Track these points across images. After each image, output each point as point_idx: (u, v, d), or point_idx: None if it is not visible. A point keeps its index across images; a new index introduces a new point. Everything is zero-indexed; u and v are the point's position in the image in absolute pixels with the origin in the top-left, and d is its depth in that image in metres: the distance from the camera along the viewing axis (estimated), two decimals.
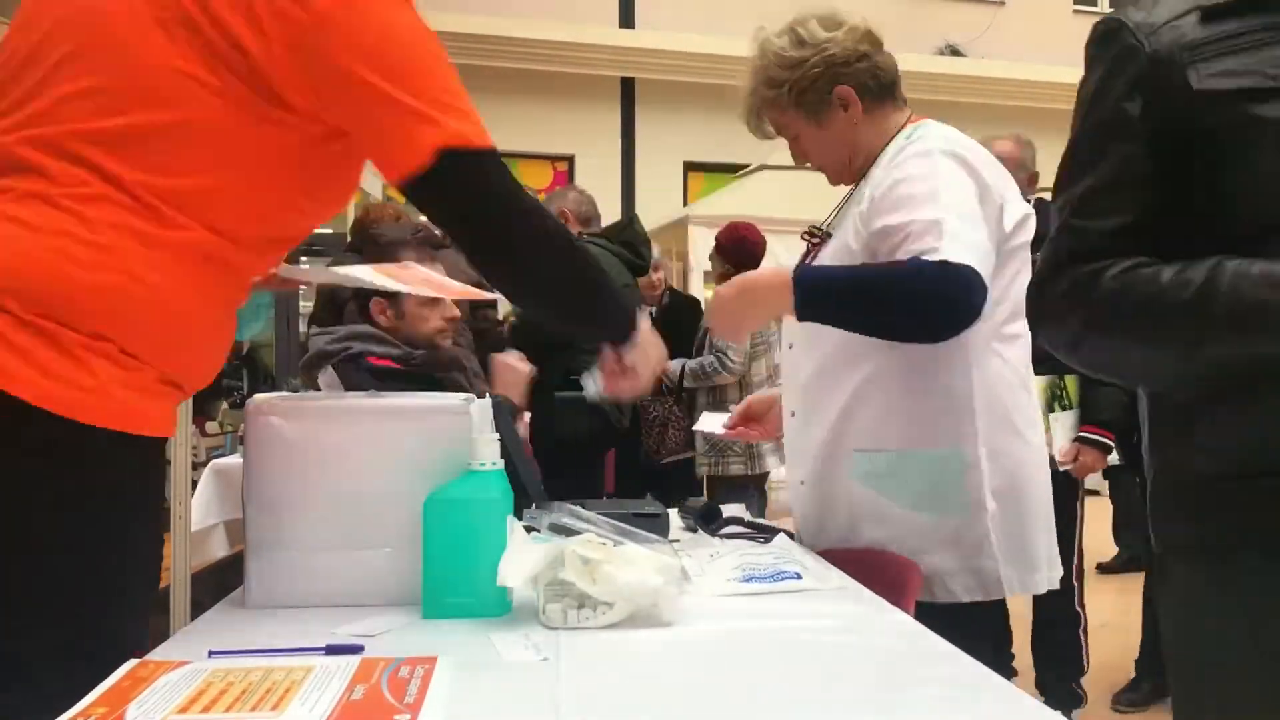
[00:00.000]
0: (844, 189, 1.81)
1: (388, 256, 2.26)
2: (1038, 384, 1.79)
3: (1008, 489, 1.60)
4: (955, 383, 1.58)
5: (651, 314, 4.51)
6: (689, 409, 4.12)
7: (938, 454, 1.59)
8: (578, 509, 1.40)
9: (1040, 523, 1.64)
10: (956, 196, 1.51)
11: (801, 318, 1.55)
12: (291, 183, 1.14)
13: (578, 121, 9.32)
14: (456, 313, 2.39)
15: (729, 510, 1.78)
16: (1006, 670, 2.97)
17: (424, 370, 2.17)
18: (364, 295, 2.40)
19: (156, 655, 0.99)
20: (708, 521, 1.68)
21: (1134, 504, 4.88)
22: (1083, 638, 3.06)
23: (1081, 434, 2.95)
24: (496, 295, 3.86)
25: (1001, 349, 1.61)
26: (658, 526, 1.52)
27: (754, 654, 1.03)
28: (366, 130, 1.12)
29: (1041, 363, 1.63)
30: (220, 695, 0.79)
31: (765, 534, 1.64)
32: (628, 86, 9.50)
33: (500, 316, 3.81)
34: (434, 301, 2.34)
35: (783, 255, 4.83)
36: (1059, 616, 3.03)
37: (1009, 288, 1.60)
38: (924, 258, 1.44)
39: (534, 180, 9.64)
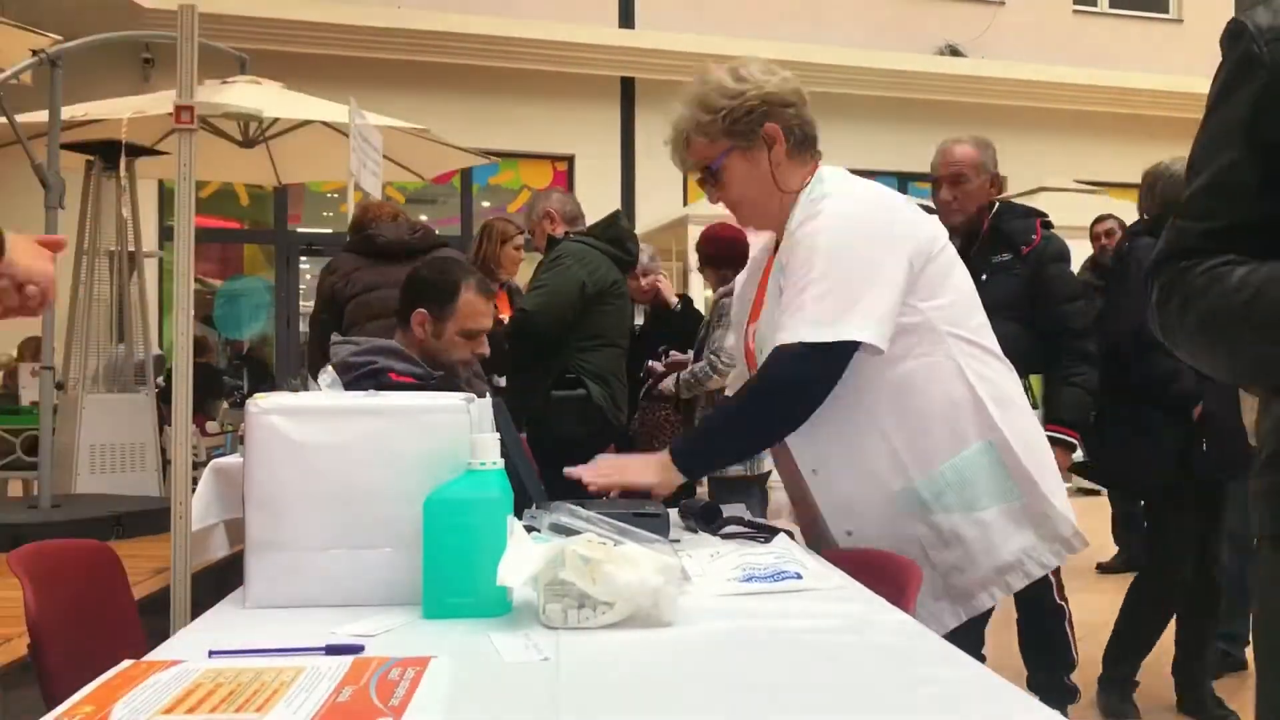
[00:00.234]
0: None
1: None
2: None
3: (1035, 458, 1.72)
4: (952, 386, 1.68)
5: (645, 312, 4.52)
6: (689, 416, 4.12)
7: (970, 452, 1.68)
8: (578, 509, 1.40)
9: (1058, 481, 1.78)
10: (833, 259, 1.63)
11: (692, 479, 1.74)
12: None
13: (578, 121, 9.31)
14: (487, 350, 2.41)
15: (729, 510, 1.78)
16: None
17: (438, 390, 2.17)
18: (408, 303, 2.37)
19: (156, 655, 0.99)
20: (708, 521, 1.68)
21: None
22: (1069, 630, 3.06)
23: (1047, 433, 2.95)
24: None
25: (972, 337, 1.72)
26: (658, 526, 1.52)
27: (754, 654, 1.03)
28: None
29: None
30: (208, 696, 0.79)
31: (765, 534, 1.64)
32: (628, 86, 9.49)
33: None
34: (475, 335, 2.35)
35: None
36: (1044, 612, 3.03)
37: (950, 286, 1.72)
38: (779, 345, 1.63)
39: (534, 180, 9.64)
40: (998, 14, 10.39)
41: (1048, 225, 3.11)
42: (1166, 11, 11.11)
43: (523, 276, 4.85)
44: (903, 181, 9.27)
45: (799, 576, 1.31)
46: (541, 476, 2.17)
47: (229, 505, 2.92)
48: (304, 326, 9.12)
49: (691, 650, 1.03)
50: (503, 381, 4.05)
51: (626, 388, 3.65)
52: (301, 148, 5.42)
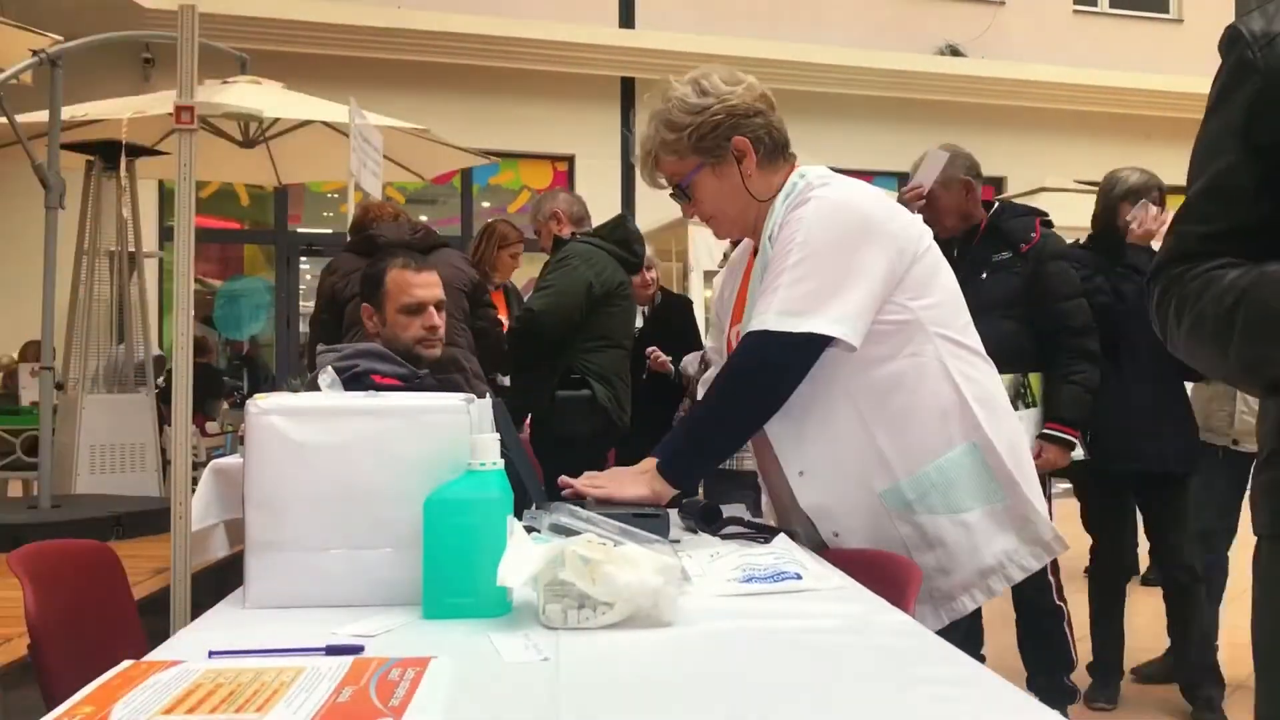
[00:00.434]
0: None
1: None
2: (1003, 381, 1.89)
3: (1017, 459, 1.71)
4: (938, 386, 1.67)
5: (644, 313, 4.51)
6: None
7: (955, 454, 1.67)
8: (578, 509, 1.40)
9: (1037, 484, 1.76)
10: (811, 252, 1.62)
11: (684, 489, 1.71)
12: None
13: (578, 121, 9.31)
14: (438, 322, 2.38)
15: (729, 510, 1.78)
16: None
17: (427, 390, 2.16)
18: (362, 297, 2.40)
19: (155, 655, 0.99)
20: (708, 522, 1.68)
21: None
22: (1068, 630, 3.07)
23: (1046, 431, 2.99)
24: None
25: (958, 337, 1.71)
26: (658, 526, 1.52)
27: (754, 654, 1.03)
28: None
29: (1003, 363, 1.77)
30: (208, 696, 0.79)
31: (765, 534, 1.64)
32: (628, 86, 9.49)
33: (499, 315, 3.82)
34: (415, 310, 2.33)
35: None
36: (1042, 612, 3.05)
37: (937, 285, 1.71)
38: (748, 332, 1.64)
39: (534, 180, 9.64)
40: (998, 14, 10.39)
41: (1048, 224, 3.13)
42: (1166, 11, 11.10)
43: (519, 276, 4.86)
44: (902, 181, 9.25)
45: (799, 577, 1.31)
46: (544, 476, 2.18)
47: (229, 505, 2.92)
48: (304, 326, 9.12)
49: (691, 650, 1.03)
50: (506, 381, 4.05)
51: (630, 388, 3.66)
52: (301, 148, 5.42)
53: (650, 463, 1.69)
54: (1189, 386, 3.32)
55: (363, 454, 1.23)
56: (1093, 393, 2.97)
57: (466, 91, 8.90)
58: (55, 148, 2.87)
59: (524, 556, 1.11)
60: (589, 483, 1.67)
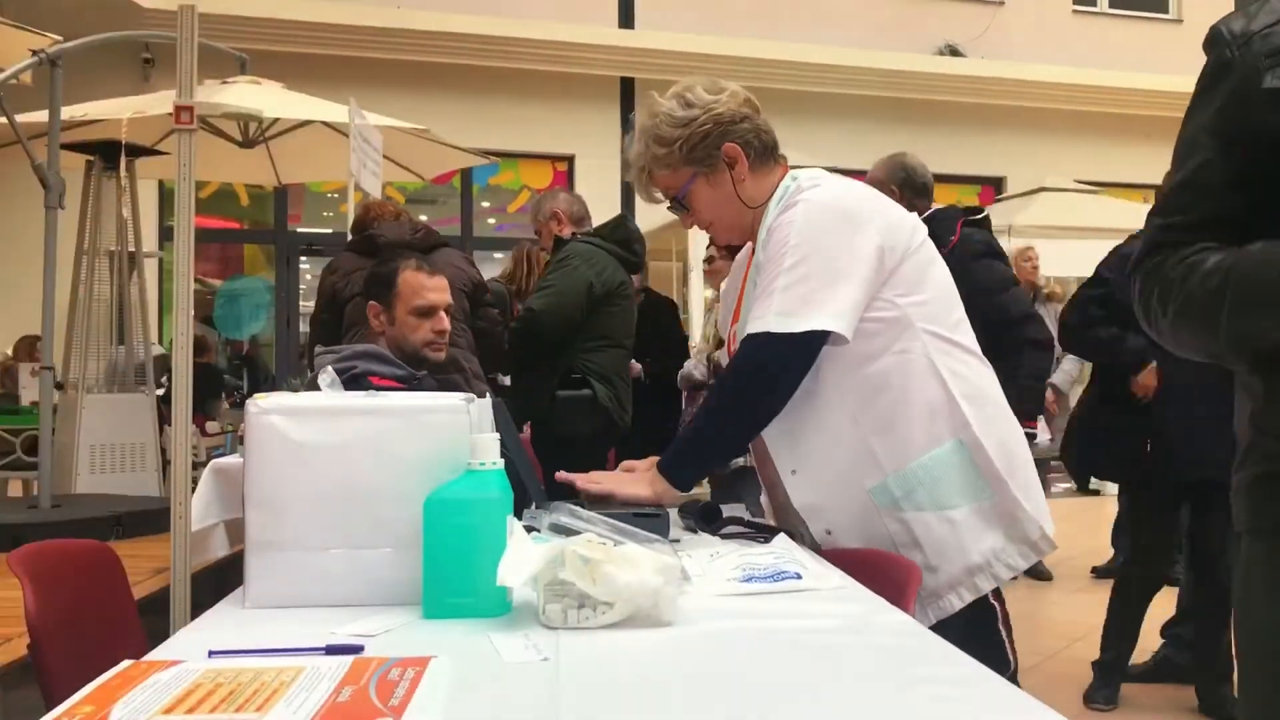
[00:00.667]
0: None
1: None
2: None
3: (1007, 457, 1.71)
4: (926, 383, 1.67)
5: None
6: None
7: (942, 451, 1.67)
8: (578, 509, 1.40)
9: (1031, 483, 1.76)
10: (803, 251, 1.63)
11: (685, 489, 1.71)
12: None
13: (578, 121, 9.31)
14: (447, 326, 2.38)
15: (729, 510, 1.78)
16: None
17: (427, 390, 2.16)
18: (367, 295, 2.41)
19: (155, 655, 0.99)
20: (708, 521, 1.68)
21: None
22: (1003, 630, 3.07)
23: None
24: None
25: (949, 334, 1.72)
26: (658, 526, 1.52)
27: (754, 654, 1.03)
28: None
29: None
30: (208, 696, 0.79)
31: (765, 534, 1.64)
32: (628, 86, 9.49)
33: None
34: (427, 313, 2.34)
35: None
36: (975, 611, 3.04)
37: (929, 282, 1.72)
38: (747, 335, 1.65)
39: (534, 180, 9.64)
40: (998, 14, 10.39)
41: (977, 223, 3.13)
42: (1166, 12, 11.11)
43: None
44: None
45: (799, 576, 1.31)
46: (544, 476, 2.17)
47: (229, 505, 2.92)
48: (304, 326, 9.12)
49: (691, 650, 1.03)
50: (507, 381, 4.05)
51: (631, 388, 3.66)
52: (301, 148, 5.43)
53: (652, 462, 1.69)
54: None
55: (363, 454, 1.23)
56: (1040, 377, 2.99)
57: (466, 91, 8.91)
58: (55, 148, 2.87)
59: (524, 556, 1.11)
60: (588, 479, 1.68)
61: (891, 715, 0.86)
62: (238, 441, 3.29)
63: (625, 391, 3.58)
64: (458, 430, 1.22)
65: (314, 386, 2.05)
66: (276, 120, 4.89)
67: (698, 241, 7.57)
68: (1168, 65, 9.96)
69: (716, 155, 1.74)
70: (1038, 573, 5.19)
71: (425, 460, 1.21)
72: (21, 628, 1.39)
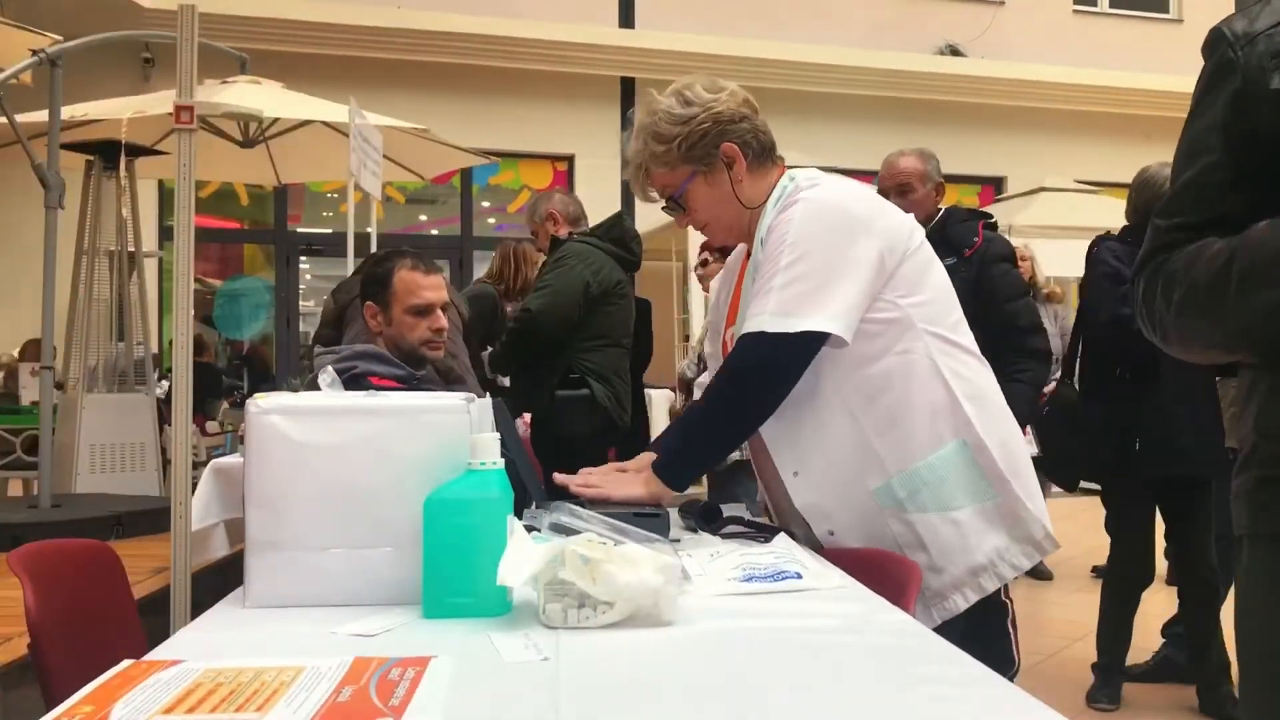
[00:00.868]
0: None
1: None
2: None
3: (1009, 457, 1.71)
4: (928, 384, 1.67)
5: None
6: None
7: (945, 451, 1.67)
8: (578, 509, 1.40)
9: (1033, 482, 1.75)
10: (801, 251, 1.63)
11: (680, 489, 1.69)
12: None
13: (578, 121, 9.31)
14: (444, 323, 2.38)
15: (729, 510, 1.78)
16: None
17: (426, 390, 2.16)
18: (364, 296, 2.41)
19: (155, 655, 0.99)
20: (708, 521, 1.68)
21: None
22: (1011, 629, 3.07)
23: None
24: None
25: (950, 335, 1.72)
26: (658, 526, 1.52)
27: (754, 654, 1.03)
28: None
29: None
30: (208, 695, 0.79)
31: (765, 533, 1.64)
32: (628, 86, 9.49)
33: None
34: (423, 311, 2.34)
35: None
36: (988, 607, 3.04)
37: (929, 282, 1.72)
38: (743, 334, 1.65)
39: (534, 180, 9.64)
40: (998, 14, 10.39)
41: (991, 227, 3.16)
42: (1166, 12, 11.11)
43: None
44: None
45: (799, 576, 1.31)
46: (544, 476, 2.17)
47: (229, 505, 2.92)
48: (304, 326, 9.13)
49: (691, 650, 1.03)
50: (506, 381, 4.05)
51: (630, 386, 3.66)
52: (301, 148, 5.42)
53: (646, 460, 1.69)
54: None
55: (363, 454, 1.23)
56: (1039, 389, 3.00)
57: (466, 91, 8.90)
58: (55, 147, 2.87)
59: (524, 556, 1.11)
60: (583, 482, 1.67)
61: (891, 715, 0.86)
62: (238, 441, 3.29)
63: (624, 390, 3.58)
64: (458, 430, 1.22)
65: (314, 386, 2.05)
66: (276, 120, 4.89)
67: (697, 241, 7.57)
68: (1168, 65, 9.96)
69: (715, 154, 1.74)
70: (1038, 572, 5.19)
71: (425, 460, 1.21)
72: (21, 627, 1.39)
